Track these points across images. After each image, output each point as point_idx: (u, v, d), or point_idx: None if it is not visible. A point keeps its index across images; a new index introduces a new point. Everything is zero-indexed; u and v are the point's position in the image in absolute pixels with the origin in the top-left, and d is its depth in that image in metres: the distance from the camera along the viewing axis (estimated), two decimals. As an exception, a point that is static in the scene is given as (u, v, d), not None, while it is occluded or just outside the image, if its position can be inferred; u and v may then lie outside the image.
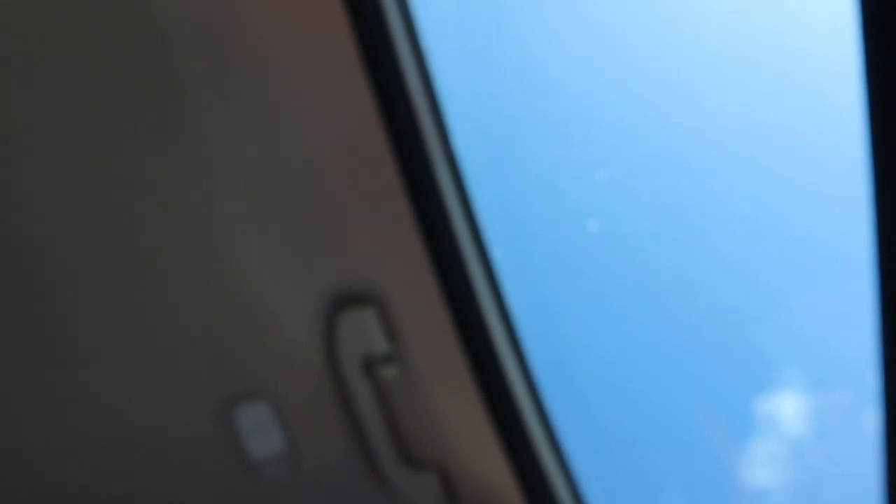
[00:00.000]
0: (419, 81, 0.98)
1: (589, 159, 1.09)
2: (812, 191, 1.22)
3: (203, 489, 1.13)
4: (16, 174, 0.98)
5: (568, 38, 1.14)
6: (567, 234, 1.15)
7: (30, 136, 0.96)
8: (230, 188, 0.99)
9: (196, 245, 1.01)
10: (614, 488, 1.30)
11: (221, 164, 0.99)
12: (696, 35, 1.11)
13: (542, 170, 1.13)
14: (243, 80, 0.96)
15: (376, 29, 0.92)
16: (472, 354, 1.05)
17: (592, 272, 1.19)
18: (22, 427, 1.07)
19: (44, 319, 1.03)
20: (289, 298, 1.04)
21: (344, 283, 1.03)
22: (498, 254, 1.03)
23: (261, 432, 1.09)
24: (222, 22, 0.92)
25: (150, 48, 0.92)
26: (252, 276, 1.03)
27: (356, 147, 0.99)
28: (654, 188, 1.11)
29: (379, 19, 0.92)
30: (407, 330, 1.04)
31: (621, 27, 1.11)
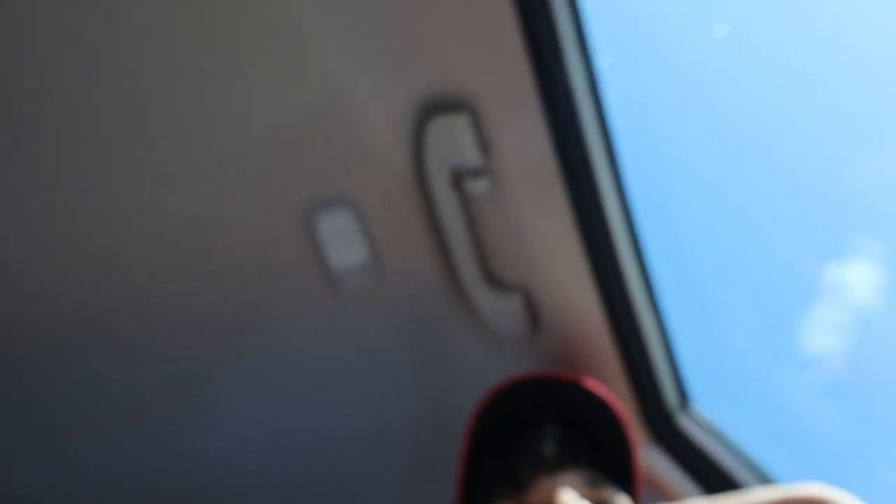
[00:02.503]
0: None
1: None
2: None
3: (282, 295, 1.11)
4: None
5: None
6: (687, 40, 1.05)
7: None
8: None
9: (281, 42, 0.94)
10: (695, 320, 1.26)
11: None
12: None
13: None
14: None
15: None
16: (569, 172, 0.98)
17: (710, 86, 1.09)
18: (102, 223, 1.05)
19: (123, 108, 0.98)
20: (377, 101, 0.97)
21: (436, 87, 0.96)
22: (606, 62, 0.93)
23: (343, 241, 1.05)
24: None
25: None
26: (339, 77, 0.96)
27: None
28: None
29: None
30: (500, 141, 0.97)
31: None
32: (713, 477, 1.01)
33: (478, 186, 0.99)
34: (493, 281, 1.07)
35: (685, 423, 1.09)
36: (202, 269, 1.09)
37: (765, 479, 1.00)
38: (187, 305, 1.11)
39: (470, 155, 0.97)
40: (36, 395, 1.15)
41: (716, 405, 1.13)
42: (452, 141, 0.96)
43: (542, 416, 0.87)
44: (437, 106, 0.97)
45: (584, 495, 0.77)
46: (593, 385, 0.88)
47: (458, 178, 1.00)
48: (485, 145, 0.97)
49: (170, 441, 1.19)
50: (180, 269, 1.07)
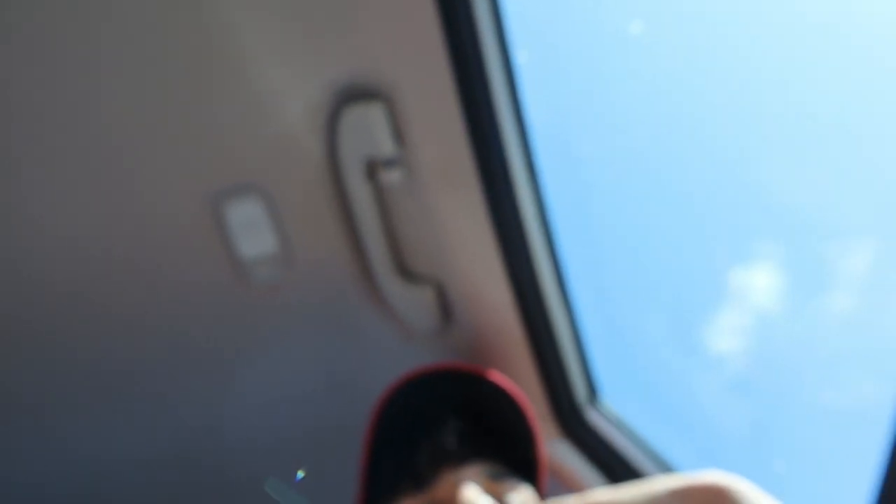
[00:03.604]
0: None
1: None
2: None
3: (189, 284, 1.08)
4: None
5: None
6: (604, 36, 1.06)
7: None
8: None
9: (194, 27, 0.91)
10: (605, 317, 1.28)
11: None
12: None
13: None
14: None
15: None
16: (483, 165, 0.98)
17: (625, 83, 1.11)
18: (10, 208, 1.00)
19: (22, 94, 0.93)
20: (290, 87, 0.95)
21: (351, 75, 0.94)
22: (523, 57, 0.94)
23: (252, 230, 1.03)
24: None
25: None
26: (252, 60, 0.94)
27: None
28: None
29: None
30: (416, 132, 0.96)
31: None
32: (620, 469, 1.03)
33: (392, 177, 0.98)
34: (406, 273, 1.06)
35: (593, 417, 1.10)
36: (107, 257, 1.05)
37: (670, 471, 1.01)
38: (91, 296, 1.07)
39: (384, 145, 0.95)
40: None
41: (623, 400, 1.15)
42: (367, 130, 0.95)
43: (445, 409, 0.86)
44: (353, 94, 0.95)
45: (486, 489, 0.77)
46: (497, 377, 0.88)
47: (373, 169, 0.98)
48: (400, 136, 0.96)
49: (63, 438, 1.15)
50: (84, 257, 1.03)
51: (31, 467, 1.18)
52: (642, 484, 0.67)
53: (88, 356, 1.11)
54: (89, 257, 1.04)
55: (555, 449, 1.07)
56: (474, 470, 0.78)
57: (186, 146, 0.99)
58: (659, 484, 0.65)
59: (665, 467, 1.02)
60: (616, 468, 1.04)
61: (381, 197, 1.01)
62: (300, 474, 1.13)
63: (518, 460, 0.83)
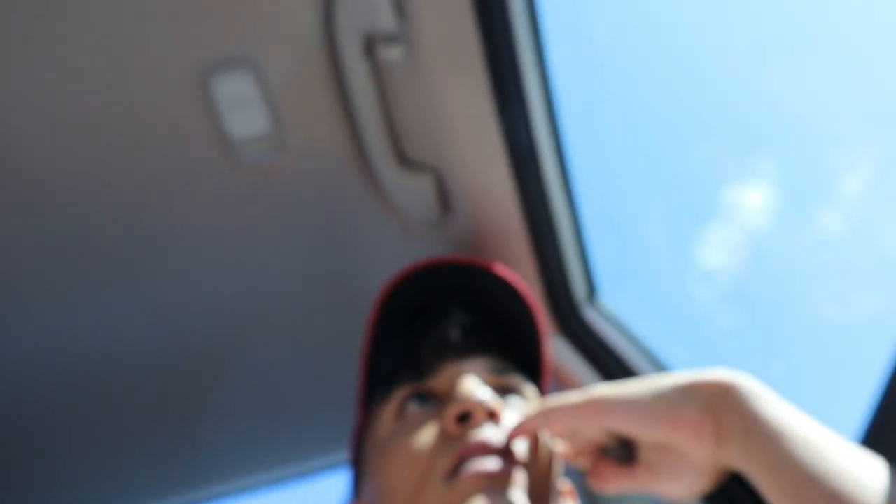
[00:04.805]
0: None
1: None
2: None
3: (176, 165, 1.03)
4: None
5: None
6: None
7: None
8: None
9: None
10: (607, 216, 1.24)
11: None
12: None
13: None
14: None
15: None
16: (489, 47, 0.92)
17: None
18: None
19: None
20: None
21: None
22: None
23: (243, 107, 0.97)
24: None
25: None
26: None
27: None
28: None
29: None
30: (418, 4, 0.89)
31: None
32: (616, 368, 1.00)
33: (391, 54, 0.91)
34: (404, 159, 1.01)
35: (591, 315, 1.07)
36: (91, 137, 0.99)
37: (667, 372, 0.99)
38: (73, 177, 1.01)
39: (384, 18, 0.88)
40: None
41: (621, 301, 1.13)
42: (365, 1, 0.88)
43: (449, 302, 0.83)
44: (352, -39, 0.88)
45: (487, 382, 0.74)
46: (503, 270, 0.84)
47: (371, 45, 0.92)
48: (401, 8, 0.89)
49: (42, 321, 1.11)
50: (67, 136, 0.97)
51: (23, 344, 1.14)
52: (647, 380, 0.65)
53: (77, 231, 1.06)
54: (76, 126, 0.98)
55: (551, 345, 1.05)
56: (476, 363, 0.75)
57: (173, 14, 0.91)
58: (665, 380, 0.63)
59: (662, 368, 1.00)
60: (613, 367, 1.02)
61: (379, 76, 0.95)
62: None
63: (522, 356, 0.81)
